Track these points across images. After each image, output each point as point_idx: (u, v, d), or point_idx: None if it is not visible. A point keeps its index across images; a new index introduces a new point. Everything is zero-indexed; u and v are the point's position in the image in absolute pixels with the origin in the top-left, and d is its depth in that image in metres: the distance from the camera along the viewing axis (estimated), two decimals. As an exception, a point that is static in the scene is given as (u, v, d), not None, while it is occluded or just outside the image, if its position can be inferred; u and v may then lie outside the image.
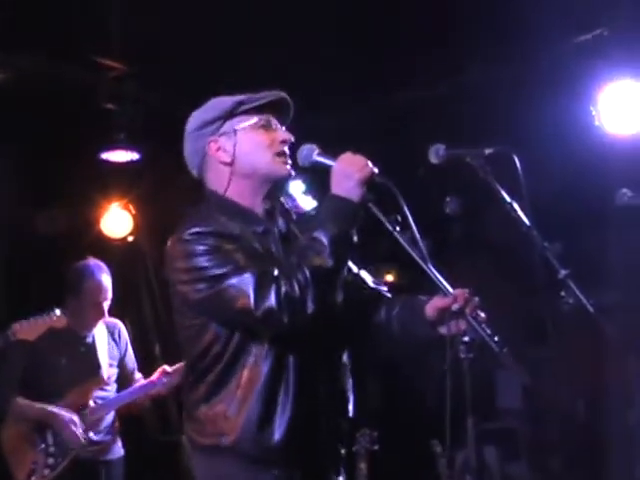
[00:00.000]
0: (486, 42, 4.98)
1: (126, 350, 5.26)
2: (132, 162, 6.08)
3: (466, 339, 2.57)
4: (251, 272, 2.57)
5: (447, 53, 5.18)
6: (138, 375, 5.31)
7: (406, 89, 5.92)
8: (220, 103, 2.86)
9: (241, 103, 2.83)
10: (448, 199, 6.55)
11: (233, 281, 2.57)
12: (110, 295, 5.07)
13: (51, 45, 4.98)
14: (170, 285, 2.77)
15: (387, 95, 5.99)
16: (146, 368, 5.35)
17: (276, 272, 2.58)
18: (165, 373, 5.08)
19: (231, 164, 2.82)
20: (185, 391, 2.86)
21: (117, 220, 6.62)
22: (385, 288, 3.07)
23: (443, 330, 2.75)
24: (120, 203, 6.59)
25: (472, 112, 5.65)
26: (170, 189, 6.10)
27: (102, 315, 5.03)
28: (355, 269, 2.97)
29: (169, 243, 2.74)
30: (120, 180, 6.50)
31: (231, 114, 2.83)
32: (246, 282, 2.55)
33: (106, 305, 5.04)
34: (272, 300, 2.52)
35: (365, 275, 3.02)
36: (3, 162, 5.99)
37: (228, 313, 2.62)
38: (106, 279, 5.05)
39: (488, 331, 2.57)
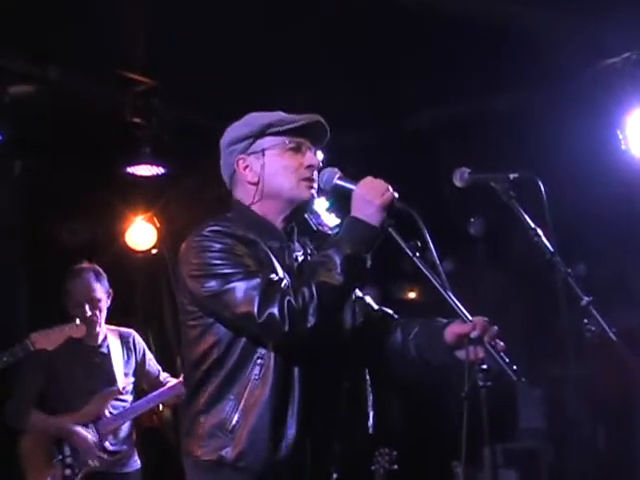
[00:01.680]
0: (515, 66, 4.94)
1: (143, 357, 5.20)
2: (157, 176, 6.08)
3: (484, 367, 2.54)
4: (260, 278, 2.59)
5: (476, 75, 5.14)
6: (164, 375, 5.26)
7: (433, 109, 5.89)
8: (253, 121, 2.86)
9: (270, 125, 2.83)
10: (472, 220, 6.57)
11: (241, 284, 2.59)
12: (98, 296, 4.92)
13: (78, 58, 4.98)
14: (179, 282, 2.77)
15: (413, 115, 5.97)
16: (168, 377, 5.30)
17: (284, 283, 2.60)
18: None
19: (257, 184, 2.83)
20: (183, 403, 2.85)
21: (141, 233, 6.62)
22: (391, 311, 3.05)
23: (461, 356, 2.71)
24: (145, 216, 6.59)
25: (498, 134, 5.61)
26: (194, 203, 6.11)
27: (86, 317, 4.85)
28: (360, 294, 2.97)
29: (187, 239, 2.76)
30: (145, 194, 6.51)
31: (261, 134, 2.83)
32: (253, 287, 2.57)
33: (93, 307, 4.90)
34: (275, 308, 2.53)
35: (370, 300, 3.01)
36: (29, 174, 6.02)
37: (231, 315, 2.62)
38: (94, 281, 4.95)
39: (506, 360, 2.55)
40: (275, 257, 2.73)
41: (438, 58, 5.03)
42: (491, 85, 5.35)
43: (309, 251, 2.90)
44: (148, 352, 5.25)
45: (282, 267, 2.72)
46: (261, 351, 2.66)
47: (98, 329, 4.97)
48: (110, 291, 5.04)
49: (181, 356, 6.49)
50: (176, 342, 6.73)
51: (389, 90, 5.49)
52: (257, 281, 2.58)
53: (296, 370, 2.66)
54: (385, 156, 6.00)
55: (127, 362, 5.09)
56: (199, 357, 2.73)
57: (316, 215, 3.06)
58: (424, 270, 2.60)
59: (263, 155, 2.82)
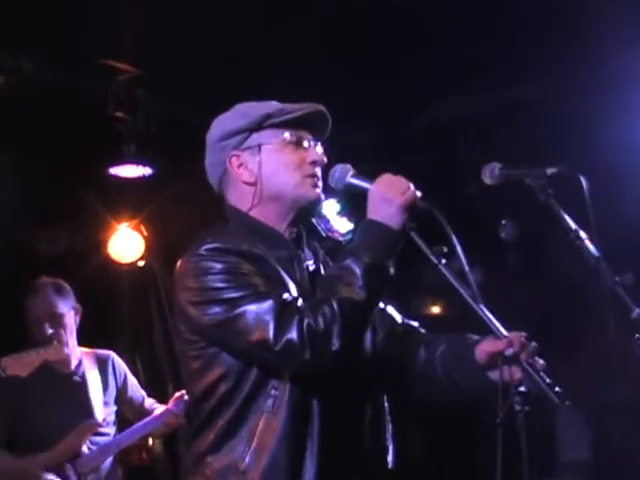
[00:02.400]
0: (549, 51, 4.94)
1: (125, 382, 5.16)
2: (144, 178, 6.08)
3: (522, 389, 2.51)
4: (272, 300, 2.55)
5: (504, 60, 5.14)
6: (149, 401, 5.23)
7: (454, 99, 5.89)
8: (248, 111, 2.83)
9: (269, 116, 2.80)
10: (503, 222, 6.56)
11: (251, 308, 2.55)
12: (60, 312, 4.88)
13: (55, 46, 4.98)
14: (177, 309, 2.74)
15: (433, 106, 5.97)
16: (158, 405, 5.30)
17: (300, 302, 2.57)
18: (182, 399, 4.99)
19: (254, 184, 2.80)
20: (187, 440, 2.82)
21: (127, 242, 6.63)
22: (416, 323, 3.03)
23: (495, 377, 2.68)
24: (130, 223, 6.59)
25: (531, 125, 5.61)
26: (187, 208, 6.10)
27: (47, 336, 4.79)
28: (381, 305, 2.91)
29: (181, 259, 2.72)
30: (130, 198, 6.51)
31: (258, 126, 2.81)
32: (266, 311, 2.53)
33: (55, 325, 4.85)
34: (293, 333, 2.50)
35: (392, 311, 2.97)
36: (2, 177, 6.02)
37: (243, 344, 2.59)
38: (55, 295, 4.92)
39: (547, 380, 2.51)
40: (285, 271, 2.70)
41: (460, 41, 5.04)
42: (520, 71, 5.36)
43: (321, 257, 2.88)
44: (130, 376, 5.22)
45: (293, 282, 2.70)
46: (275, 381, 2.63)
47: (67, 350, 4.92)
48: (77, 306, 5.01)
49: (173, 381, 6.53)
50: (168, 366, 6.74)
51: (403, 80, 5.51)
52: (269, 303, 2.54)
53: (314, 401, 2.63)
54: (402, 152, 6.01)
55: (106, 389, 5.05)
56: (205, 391, 2.70)
57: (325, 220, 3.03)
58: (452, 280, 2.57)
59: (259, 151, 2.79)
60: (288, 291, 2.63)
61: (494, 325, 2.57)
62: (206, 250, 2.65)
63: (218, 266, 2.62)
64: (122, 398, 5.14)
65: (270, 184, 2.79)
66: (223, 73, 5.11)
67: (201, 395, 2.71)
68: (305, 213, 2.84)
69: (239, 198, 2.83)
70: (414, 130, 6.16)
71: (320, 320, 2.50)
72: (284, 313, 2.53)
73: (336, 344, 2.50)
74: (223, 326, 2.60)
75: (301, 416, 2.62)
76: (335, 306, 2.51)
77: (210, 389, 2.68)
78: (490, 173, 2.81)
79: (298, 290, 2.67)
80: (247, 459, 2.61)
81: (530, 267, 6.68)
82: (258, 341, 2.53)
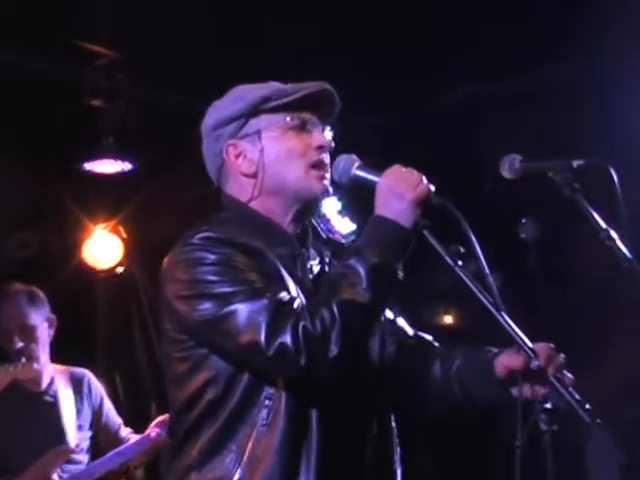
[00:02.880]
0: (572, 33, 4.96)
1: (101, 406, 5.17)
2: (123, 173, 6.08)
3: (548, 406, 2.50)
4: (267, 299, 2.55)
5: (523, 43, 5.16)
6: (125, 430, 5.23)
7: (470, 83, 5.90)
8: (244, 95, 2.83)
9: (267, 99, 2.80)
10: (523, 221, 6.56)
11: (243, 306, 2.55)
12: (32, 324, 4.91)
13: (24, 29, 4.98)
14: (163, 304, 2.74)
15: (446, 91, 5.98)
16: (139, 431, 5.25)
17: (297, 303, 2.58)
18: (163, 424, 4.99)
19: (254, 175, 2.80)
20: (168, 454, 2.80)
21: (104, 246, 6.63)
22: (430, 337, 3.03)
23: (516, 393, 2.67)
24: (108, 225, 6.59)
25: (553, 113, 5.62)
26: (171, 208, 6.10)
27: (15, 350, 4.83)
28: (391, 316, 2.93)
29: (171, 251, 2.72)
30: (108, 196, 6.51)
31: (256, 111, 2.81)
32: (259, 310, 2.53)
33: (25, 337, 4.87)
34: (287, 336, 2.49)
35: (403, 323, 2.97)
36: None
37: (232, 346, 2.59)
38: (27, 305, 4.94)
39: (576, 397, 2.49)
40: (285, 268, 2.70)
41: (474, 21, 5.06)
42: (542, 51, 5.36)
43: (326, 259, 2.88)
44: (107, 400, 5.23)
45: (294, 281, 2.70)
46: (269, 390, 2.62)
47: (37, 366, 4.89)
48: (52, 318, 5.01)
49: (157, 401, 6.51)
50: (150, 383, 6.74)
51: (415, 60, 5.51)
52: (264, 302, 2.54)
53: (313, 414, 2.63)
54: (411, 142, 6.02)
55: (81, 412, 5.05)
56: (190, 398, 2.69)
57: (325, 220, 3.03)
58: (470, 284, 2.55)
59: (259, 138, 2.79)
60: (286, 290, 2.63)
61: (517, 335, 2.54)
62: (200, 239, 2.65)
63: (211, 257, 2.62)
64: (97, 423, 5.13)
65: (271, 175, 2.78)
66: (213, 58, 5.10)
67: (185, 403, 2.71)
68: (310, 208, 2.84)
69: (238, 191, 2.83)
70: (426, 122, 6.16)
71: (317, 323, 2.50)
72: (279, 314, 2.52)
73: (334, 350, 2.49)
74: (212, 324, 2.59)
75: (299, 431, 2.62)
76: (335, 309, 2.50)
77: (195, 396, 2.68)
78: (509, 166, 2.80)
79: (298, 290, 2.67)
80: (237, 475, 2.60)
81: (553, 270, 6.68)
82: (249, 343, 2.53)
